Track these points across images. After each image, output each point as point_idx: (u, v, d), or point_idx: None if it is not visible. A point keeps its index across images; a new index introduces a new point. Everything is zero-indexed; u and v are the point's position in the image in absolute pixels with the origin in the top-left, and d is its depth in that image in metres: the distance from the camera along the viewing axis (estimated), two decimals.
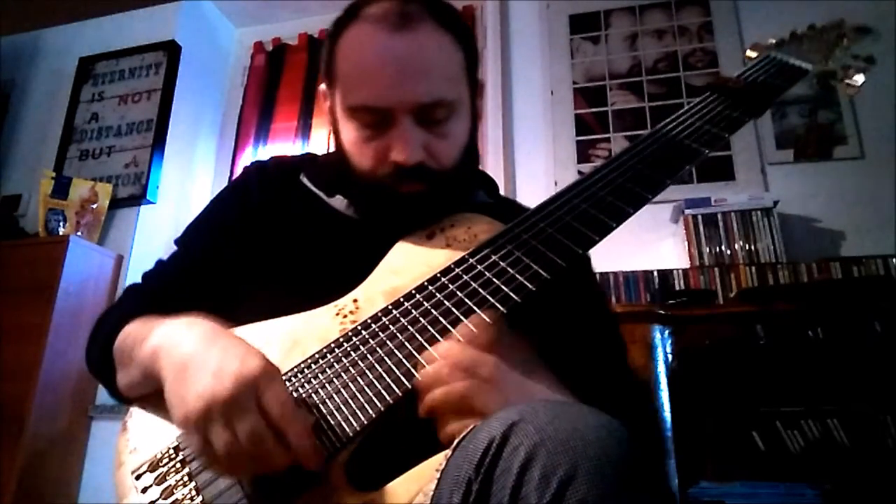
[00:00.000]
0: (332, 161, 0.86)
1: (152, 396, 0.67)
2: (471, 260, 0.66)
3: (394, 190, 0.71)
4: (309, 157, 0.92)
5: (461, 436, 0.49)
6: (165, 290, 0.80)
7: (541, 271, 0.62)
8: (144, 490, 0.58)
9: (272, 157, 0.91)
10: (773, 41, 0.90)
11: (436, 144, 0.71)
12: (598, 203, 0.67)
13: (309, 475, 0.55)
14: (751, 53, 0.91)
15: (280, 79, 2.87)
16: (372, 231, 0.76)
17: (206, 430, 0.52)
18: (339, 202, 0.82)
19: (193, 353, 0.58)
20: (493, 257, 0.65)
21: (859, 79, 0.86)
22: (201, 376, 0.54)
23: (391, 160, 0.70)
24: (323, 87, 0.82)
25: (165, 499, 0.57)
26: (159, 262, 0.86)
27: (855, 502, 1.49)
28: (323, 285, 0.71)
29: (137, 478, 0.60)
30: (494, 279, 0.63)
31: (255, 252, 0.79)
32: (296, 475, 0.54)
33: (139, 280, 0.86)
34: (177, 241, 0.86)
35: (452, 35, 0.73)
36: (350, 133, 0.73)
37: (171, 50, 2.70)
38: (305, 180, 0.85)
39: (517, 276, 0.62)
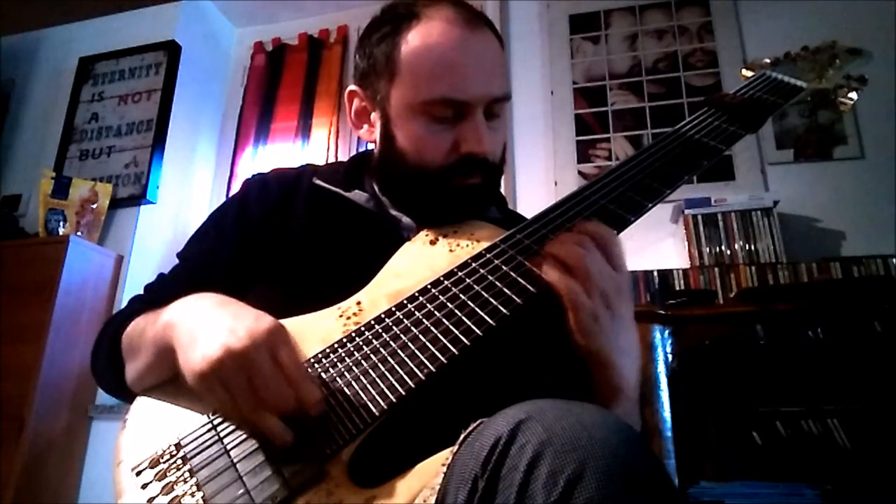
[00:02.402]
0: (345, 164, 0.90)
1: (154, 392, 0.67)
2: (473, 264, 0.67)
3: (454, 183, 0.75)
4: (311, 166, 0.94)
5: (466, 432, 0.49)
6: (168, 301, 0.81)
7: (543, 275, 0.63)
8: (144, 486, 0.58)
9: (273, 169, 0.93)
10: (769, 60, 0.94)
11: (493, 138, 0.77)
12: (598, 210, 0.69)
13: (310, 472, 0.55)
14: (746, 72, 0.94)
15: (280, 79, 2.87)
16: (393, 223, 0.79)
17: (224, 378, 0.54)
18: (358, 196, 0.83)
19: (207, 316, 0.60)
20: (496, 261, 0.66)
21: (853, 97, 0.90)
22: (217, 333, 0.57)
23: (463, 151, 0.74)
24: (353, 88, 0.83)
25: (165, 495, 0.57)
26: (161, 276, 0.87)
27: (855, 502, 1.49)
28: (343, 275, 0.73)
29: (137, 474, 0.60)
30: (497, 282, 0.64)
31: (260, 258, 0.80)
32: (297, 471, 0.54)
33: (140, 284, 0.88)
34: (178, 256, 0.88)
35: (498, 40, 0.80)
36: (416, 128, 0.76)
37: (171, 50, 2.70)
38: (319, 181, 0.86)
39: (519, 279, 0.63)
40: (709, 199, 1.98)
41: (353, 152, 2.36)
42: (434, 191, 0.76)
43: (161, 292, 0.83)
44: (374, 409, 0.57)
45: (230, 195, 0.93)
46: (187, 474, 0.58)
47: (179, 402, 0.63)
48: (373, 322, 0.65)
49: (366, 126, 0.84)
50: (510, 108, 2.44)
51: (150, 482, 0.58)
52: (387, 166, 0.81)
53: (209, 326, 0.58)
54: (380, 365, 0.60)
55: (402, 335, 0.62)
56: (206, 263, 0.83)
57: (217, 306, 0.61)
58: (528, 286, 0.62)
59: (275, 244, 0.81)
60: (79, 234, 2.37)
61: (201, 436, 0.59)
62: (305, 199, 0.85)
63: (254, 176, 0.91)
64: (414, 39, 0.75)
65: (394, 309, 0.66)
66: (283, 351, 0.56)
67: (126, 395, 0.75)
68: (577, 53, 2.48)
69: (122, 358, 0.74)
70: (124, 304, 0.86)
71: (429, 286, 0.67)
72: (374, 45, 0.79)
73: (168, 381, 0.65)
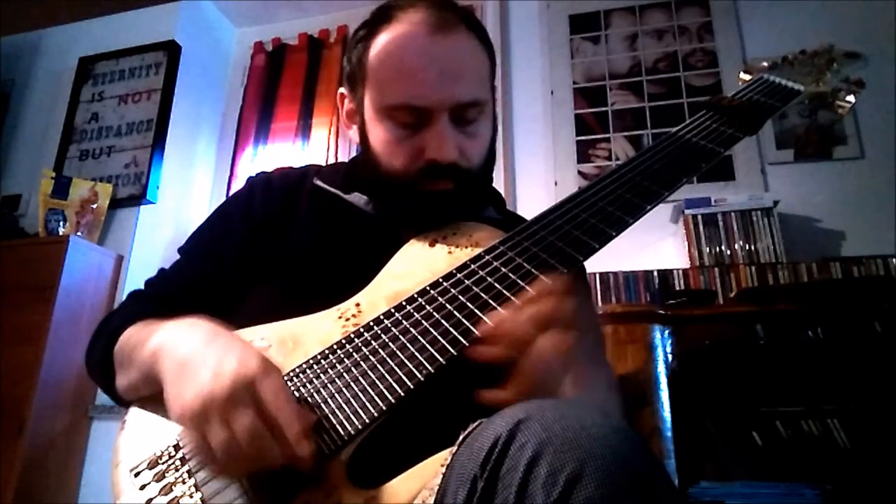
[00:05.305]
0: (346, 164, 0.90)
1: (149, 401, 0.67)
2: (473, 266, 0.67)
3: (423, 188, 0.74)
4: (314, 166, 0.94)
5: (465, 432, 0.49)
6: (168, 297, 0.81)
7: (542, 277, 0.63)
8: (142, 487, 0.58)
9: (277, 168, 0.93)
10: (766, 64, 0.94)
11: (467, 144, 0.75)
12: (597, 213, 0.69)
13: (309, 472, 0.55)
14: (744, 76, 0.95)
15: (280, 79, 2.87)
16: (391, 225, 0.78)
17: (204, 427, 0.52)
18: (357, 198, 0.84)
19: (193, 352, 0.58)
20: (495, 263, 0.66)
21: (850, 100, 0.90)
22: (200, 374, 0.54)
23: (426, 158, 0.73)
24: (343, 90, 0.84)
25: (164, 496, 0.57)
26: (162, 271, 0.87)
27: (855, 502, 1.49)
28: (341, 278, 0.73)
29: (136, 475, 0.60)
30: (496, 284, 0.64)
31: (263, 258, 0.80)
32: (295, 472, 0.54)
33: (141, 284, 0.87)
34: (180, 251, 0.87)
35: (480, 41, 0.78)
36: (383, 133, 0.75)
37: (171, 50, 2.70)
38: (319, 182, 0.86)
39: (519, 280, 0.63)
40: (709, 199, 1.98)
41: (354, 153, 2.36)
42: (405, 195, 0.76)
43: (162, 288, 0.84)
44: (372, 410, 0.57)
45: (234, 192, 0.92)
46: (186, 475, 0.58)
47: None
48: (371, 324, 0.65)
49: (354, 128, 0.84)
50: (509, 110, 2.44)
51: (149, 483, 0.58)
52: (365, 170, 0.81)
53: (194, 364, 0.56)
54: (379, 366, 0.60)
55: (400, 336, 0.62)
56: (209, 260, 0.83)
57: (206, 342, 0.59)
58: (528, 288, 0.62)
59: (277, 244, 0.81)
60: (79, 234, 2.37)
61: None
62: (307, 200, 0.85)
63: (258, 174, 0.91)
64: (380, 43, 0.75)
65: (392, 311, 0.66)
66: (268, 395, 0.53)
67: (118, 398, 0.75)
68: (577, 53, 2.48)
69: (114, 365, 0.74)
70: None
71: (427, 288, 0.67)
72: (353, 48, 0.80)
73: (160, 392, 0.64)
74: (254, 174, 0.92)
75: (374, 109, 0.76)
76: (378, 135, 0.76)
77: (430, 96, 0.72)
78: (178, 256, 0.87)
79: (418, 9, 0.75)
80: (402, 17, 0.75)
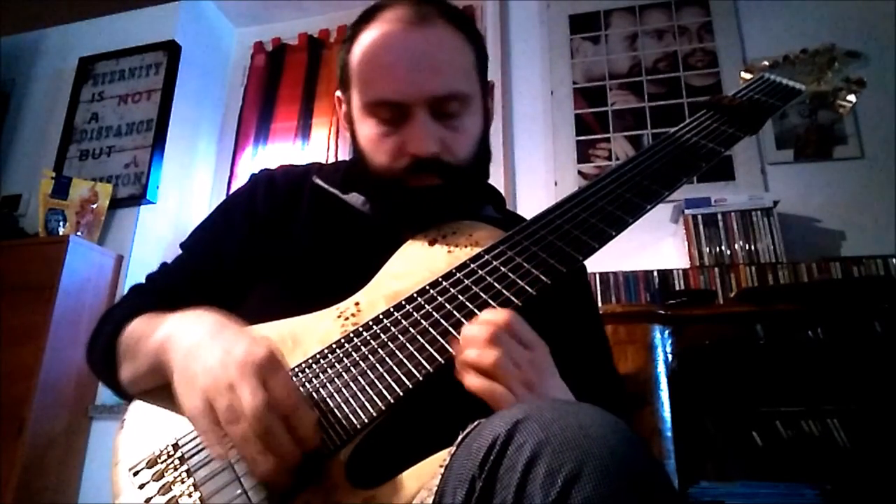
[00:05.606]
0: (346, 163, 0.90)
1: (152, 393, 0.67)
2: (472, 265, 0.67)
3: (409, 184, 0.74)
4: (316, 164, 0.94)
5: (464, 433, 0.49)
6: (169, 291, 0.81)
7: (542, 276, 0.63)
8: (141, 486, 0.58)
9: (280, 165, 0.93)
10: (767, 63, 0.95)
11: (450, 138, 0.74)
12: (597, 212, 0.69)
13: (309, 471, 0.54)
14: (745, 75, 0.95)
15: (280, 79, 2.87)
16: (387, 225, 0.78)
17: (213, 404, 0.53)
18: (354, 199, 0.84)
19: (203, 338, 0.59)
20: (495, 263, 0.66)
21: (851, 99, 0.90)
22: (211, 356, 0.55)
23: (408, 153, 0.73)
24: (338, 93, 0.85)
25: (162, 495, 0.56)
26: (164, 265, 0.87)
27: (855, 502, 1.49)
28: (340, 278, 0.73)
29: (135, 474, 0.59)
30: (496, 283, 0.64)
31: (264, 256, 0.81)
32: (295, 472, 0.54)
33: (142, 280, 0.87)
34: (182, 246, 0.88)
35: (464, 35, 0.77)
36: (367, 130, 0.76)
37: (171, 50, 2.70)
38: (319, 181, 0.86)
39: (518, 280, 0.63)
40: (709, 199, 1.98)
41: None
42: (393, 192, 0.76)
43: (164, 282, 0.84)
44: (371, 410, 0.57)
45: (237, 188, 0.92)
46: (185, 474, 0.57)
47: (176, 406, 0.63)
48: (371, 323, 0.65)
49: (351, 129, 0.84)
50: (509, 110, 2.44)
51: (148, 482, 0.58)
52: (357, 169, 0.81)
53: (204, 348, 0.57)
54: (378, 366, 0.60)
55: (399, 336, 0.62)
56: (210, 256, 0.84)
57: (213, 333, 0.60)
58: (528, 288, 0.62)
59: (278, 242, 0.82)
60: (79, 234, 2.37)
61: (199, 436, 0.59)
62: (308, 198, 0.86)
63: (261, 171, 0.91)
64: (360, 43, 0.76)
65: (392, 310, 0.66)
66: (276, 380, 0.53)
67: (120, 391, 0.75)
68: (577, 53, 2.48)
69: (118, 357, 0.74)
70: None
71: (427, 287, 0.67)
72: (342, 50, 0.81)
73: (165, 385, 0.65)
74: (257, 170, 0.92)
75: (359, 108, 0.77)
76: (363, 133, 0.77)
77: (405, 90, 0.72)
78: (179, 250, 0.88)
79: (397, 7, 0.75)
80: (382, 15, 0.76)
